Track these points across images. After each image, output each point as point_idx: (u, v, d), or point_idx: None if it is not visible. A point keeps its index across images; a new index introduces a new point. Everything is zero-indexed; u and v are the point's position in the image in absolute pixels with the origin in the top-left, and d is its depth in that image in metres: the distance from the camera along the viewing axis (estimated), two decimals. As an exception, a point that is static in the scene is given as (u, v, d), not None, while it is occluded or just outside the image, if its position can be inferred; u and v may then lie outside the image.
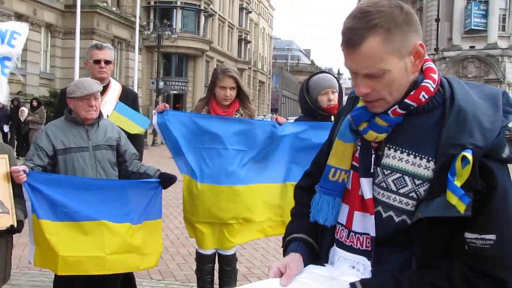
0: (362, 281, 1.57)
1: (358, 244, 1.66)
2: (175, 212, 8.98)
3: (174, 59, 51.51)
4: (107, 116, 4.28)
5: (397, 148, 1.58)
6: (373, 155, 1.62)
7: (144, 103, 41.68)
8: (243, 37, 71.94)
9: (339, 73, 69.10)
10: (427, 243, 1.50)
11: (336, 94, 4.29)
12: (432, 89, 1.55)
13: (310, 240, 1.83)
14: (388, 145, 1.60)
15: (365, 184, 1.62)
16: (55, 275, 3.86)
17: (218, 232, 4.19)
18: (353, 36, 1.51)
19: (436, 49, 41.38)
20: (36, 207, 3.45)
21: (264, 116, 56.77)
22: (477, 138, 1.45)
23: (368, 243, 1.63)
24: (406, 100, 1.56)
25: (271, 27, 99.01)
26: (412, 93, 1.56)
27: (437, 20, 41.49)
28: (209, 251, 4.30)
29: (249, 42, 75.79)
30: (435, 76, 1.57)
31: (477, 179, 1.41)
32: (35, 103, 19.04)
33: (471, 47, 39.94)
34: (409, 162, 1.55)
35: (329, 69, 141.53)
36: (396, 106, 1.57)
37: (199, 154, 4.12)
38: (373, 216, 1.60)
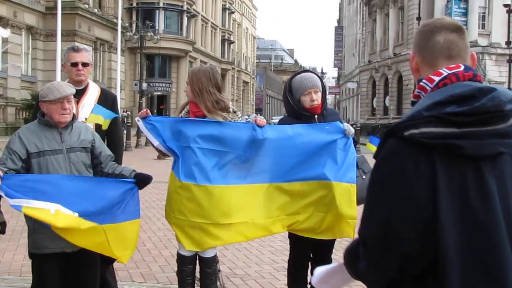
0: None
1: None
2: (158, 214, 8.94)
3: (157, 60, 51.41)
4: (85, 119, 4.26)
5: None
6: None
7: (127, 105, 41.55)
8: (226, 37, 71.97)
9: (322, 72, 69.35)
10: None
11: (319, 94, 4.28)
12: (427, 88, 1.75)
13: None
14: None
15: None
16: (33, 279, 3.84)
17: (195, 233, 4.14)
18: None
19: (418, 47, 41.61)
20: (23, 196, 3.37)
21: (249, 116, 56.74)
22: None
23: None
24: (412, 98, 1.84)
25: (254, 27, 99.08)
26: None
27: (418, 18, 41.67)
28: (188, 253, 4.29)
29: (233, 42, 75.84)
30: (435, 78, 1.74)
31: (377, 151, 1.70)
32: None
33: (452, 45, 40.24)
34: None
35: (313, 68, 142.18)
36: None
37: (181, 152, 4.10)
38: None
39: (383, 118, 47.27)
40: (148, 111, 4.28)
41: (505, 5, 32.00)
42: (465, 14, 39.75)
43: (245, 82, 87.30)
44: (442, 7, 40.81)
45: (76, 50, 4.40)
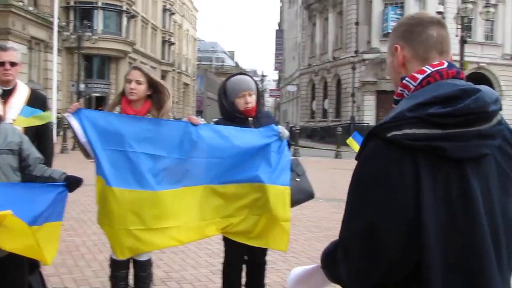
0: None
1: None
2: (94, 217, 8.69)
3: (96, 61, 50.45)
4: (13, 120, 4.12)
5: None
6: None
7: (64, 106, 40.48)
8: (166, 38, 71.33)
9: (263, 75, 69.47)
10: None
11: (254, 96, 4.30)
12: (411, 86, 1.72)
13: None
14: None
15: None
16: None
17: (129, 239, 4.03)
18: None
19: (356, 52, 42.45)
20: None
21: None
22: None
23: None
24: (394, 96, 1.79)
25: (195, 28, 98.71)
26: None
27: (357, 23, 42.61)
28: (123, 258, 4.21)
29: (173, 44, 75.25)
30: (419, 76, 1.71)
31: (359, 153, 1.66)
32: None
33: (389, 50, 41.15)
34: None
35: (253, 71, 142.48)
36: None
37: (111, 156, 3.98)
38: None
39: (322, 121, 47.93)
40: (77, 104, 4.12)
41: (438, 13, 33.01)
42: (401, 20, 40.86)
43: (186, 84, 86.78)
44: (379, 13, 41.74)
45: (3, 49, 4.27)
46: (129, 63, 51.62)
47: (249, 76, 4.45)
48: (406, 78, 1.74)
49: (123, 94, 4.27)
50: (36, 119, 4.31)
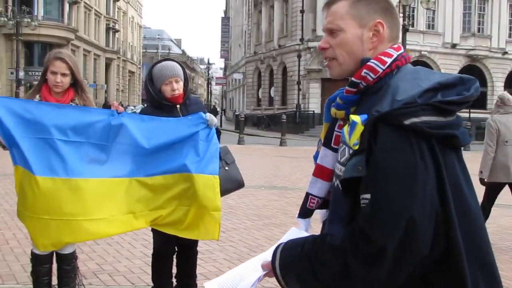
0: (284, 243, 1.71)
1: (312, 204, 1.87)
2: (27, 209, 8.47)
3: (37, 48, 49.08)
4: None
5: None
6: (335, 132, 1.78)
7: (4, 95, 39.30)
8: (111, 26, 70.08)
9: (209, 63, 68.99)
10: (353, 207, 1.58)
11: (181, 83, 4.20)
12: (379, 69, 1.64)
13: None
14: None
15: (323, 152, 1.83)
16: None
17: (53, 231, 3.85)
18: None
19: (302, 39, 42.61)
20: None
21: (135, 107, 55.71)
22: (384, 106, 1.52)
23: (315, 204, 1.86)
24: (352, 78, 1.68)
25: (140, 15, 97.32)
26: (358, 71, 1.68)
27: (302, 11, 42.70)
28: (45, 252, 4.04)
29: (118, 31, 73.98)
30: (387, 59, 1.65)
31: (365, 140, 1.51)
32: None
33: (333, 38, 41.47)
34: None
35: (200, 59, 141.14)
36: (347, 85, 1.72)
37: (34, 144, 3.79)
38: (321, 181, 1.82)
39: (268, 109, 48.03)
40: None
41: None
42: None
43: (131, 72, 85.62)
44: (324, 1, 41.91)
45: None
46: (72, 51, 50.48)
47: (176, 62, 4.33)
48: (373, 61, 1.66)
49: (43, 81, 4.09)
50: None
